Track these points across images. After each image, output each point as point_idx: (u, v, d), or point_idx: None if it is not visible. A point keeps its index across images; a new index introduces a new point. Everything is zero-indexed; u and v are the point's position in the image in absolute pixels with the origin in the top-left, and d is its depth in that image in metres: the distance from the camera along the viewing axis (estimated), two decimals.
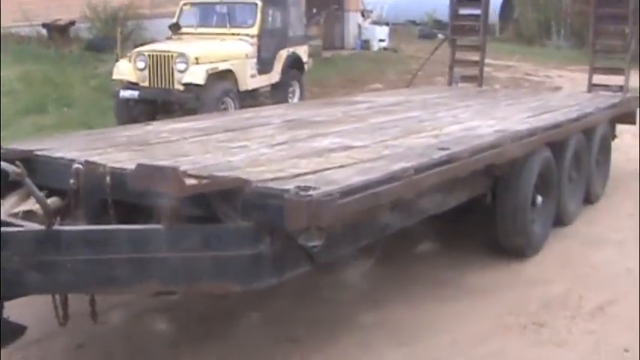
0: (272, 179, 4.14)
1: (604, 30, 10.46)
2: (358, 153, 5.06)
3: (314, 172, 4.34)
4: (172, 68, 12.45)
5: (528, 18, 35.79)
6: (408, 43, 26.94)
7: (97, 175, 4.42)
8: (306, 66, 15.08)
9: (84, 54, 18.99)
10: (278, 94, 14.04)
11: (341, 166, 4.56)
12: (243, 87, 13.13)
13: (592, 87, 10.42)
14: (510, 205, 6.36)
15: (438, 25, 29.63)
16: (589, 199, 8.36)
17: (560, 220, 7.41)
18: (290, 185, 3.94)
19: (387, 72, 19.62)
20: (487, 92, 10.31)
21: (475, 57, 11.16)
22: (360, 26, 26.02)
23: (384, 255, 5.95)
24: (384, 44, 25.73)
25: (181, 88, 12.35)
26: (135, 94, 12.59)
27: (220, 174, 4.21)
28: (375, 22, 28.13)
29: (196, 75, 12.21)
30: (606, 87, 10.19)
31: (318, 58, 21.64)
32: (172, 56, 12.48)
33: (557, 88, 18.07)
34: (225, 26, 13.76)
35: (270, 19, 14.04)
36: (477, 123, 6.66)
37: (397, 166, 4.51)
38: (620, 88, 9.85)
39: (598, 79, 10.52)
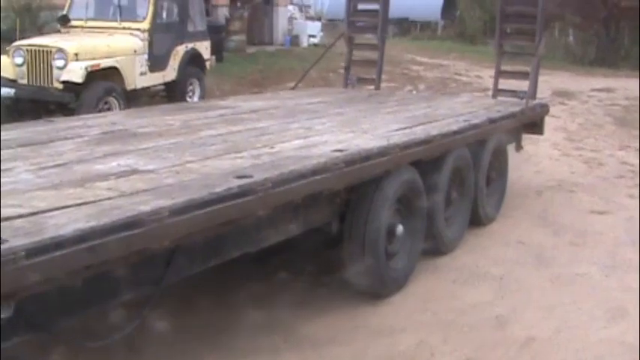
0: None
1: (512, 29, 9.47)
2: (132, 182, 4.00)
3: (31, 214, 3.28)
4: (51, 64, 11.33)
5: (472, 16, 35.11)
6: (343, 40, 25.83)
7: None
8: (207, 63, 13.95)
9: None
10: (174, 93, 12.92)
11: (83, 204, 3.49)
12: (130, 85, 11.94)
13: (497, 92, 9.42)
14: (358, 237, 5.30)
15: None
16: (478, 222, 7.33)
17: (435, 250, 6.41)
18: None
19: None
20: (377, 96, 9.21)
21: (374, 56, 10.15)
22: (291, 21, 24.93)
23: (200, 290, 5.13)
24: (315, 40, 24.65)
25: (60, 86, 11.21)
26: (11, 92, 11.46)
27: None
28: (309, 18, 27.14)
29: (74, 72, 11.06)
30: (513, 93, 9.18)
31: (241, 53, 20.60)
32: (51, 51, 11.34)
33: (485, 90, 17.14)
34: (116, 20, 12.58)
35: (164, 12, 12.86)
36: (326, 138, 5.60)
37: (148, 207, 3.44)
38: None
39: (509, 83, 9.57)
